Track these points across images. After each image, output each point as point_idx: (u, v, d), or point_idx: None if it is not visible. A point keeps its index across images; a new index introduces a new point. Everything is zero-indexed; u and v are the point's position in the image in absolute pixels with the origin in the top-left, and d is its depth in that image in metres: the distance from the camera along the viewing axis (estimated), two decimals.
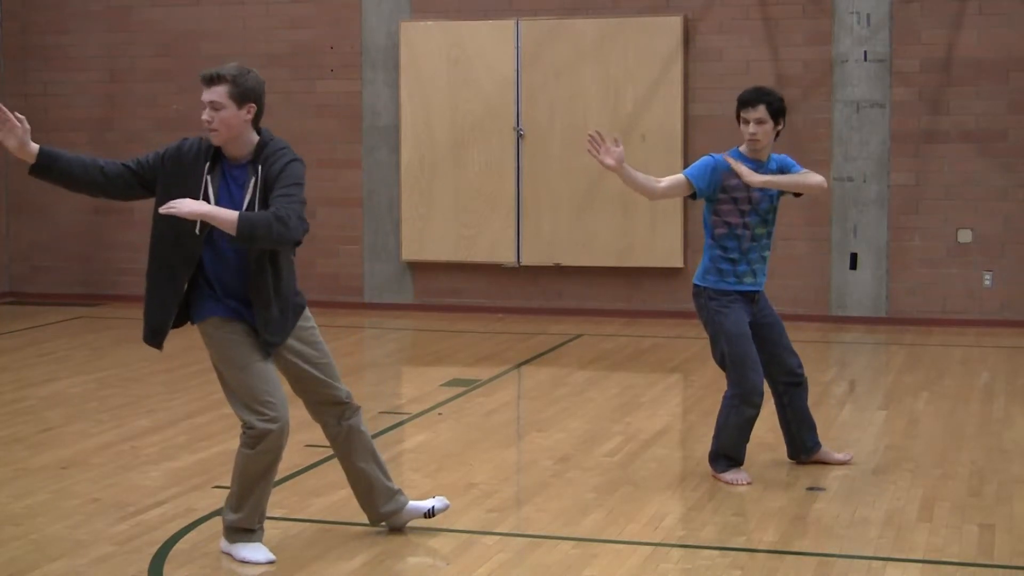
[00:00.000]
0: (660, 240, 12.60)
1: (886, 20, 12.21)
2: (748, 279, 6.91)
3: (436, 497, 6.23)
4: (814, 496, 6.71)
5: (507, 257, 13.00)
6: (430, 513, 6.11)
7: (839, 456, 7.32)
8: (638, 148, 12.54)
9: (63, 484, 6.98)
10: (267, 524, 6.11)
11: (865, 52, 12.25)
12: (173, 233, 5.57)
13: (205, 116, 5.51)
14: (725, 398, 7.00)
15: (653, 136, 12.53)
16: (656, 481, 7.03)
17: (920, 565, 5.69)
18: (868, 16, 12.23)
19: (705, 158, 6.94)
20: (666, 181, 6.99)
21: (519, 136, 12.81)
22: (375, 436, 8.07)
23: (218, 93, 5.51)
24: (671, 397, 9.51)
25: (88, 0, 14.07)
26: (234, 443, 7.80)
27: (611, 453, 7.61)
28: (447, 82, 12.95)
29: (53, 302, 13.98)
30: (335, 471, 7.18)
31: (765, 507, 6.54)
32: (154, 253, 5.66)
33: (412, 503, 6.11)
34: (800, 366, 7.14)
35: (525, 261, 12.98)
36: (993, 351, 11.07)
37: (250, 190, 5.53)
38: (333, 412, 5.90)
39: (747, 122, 6.86)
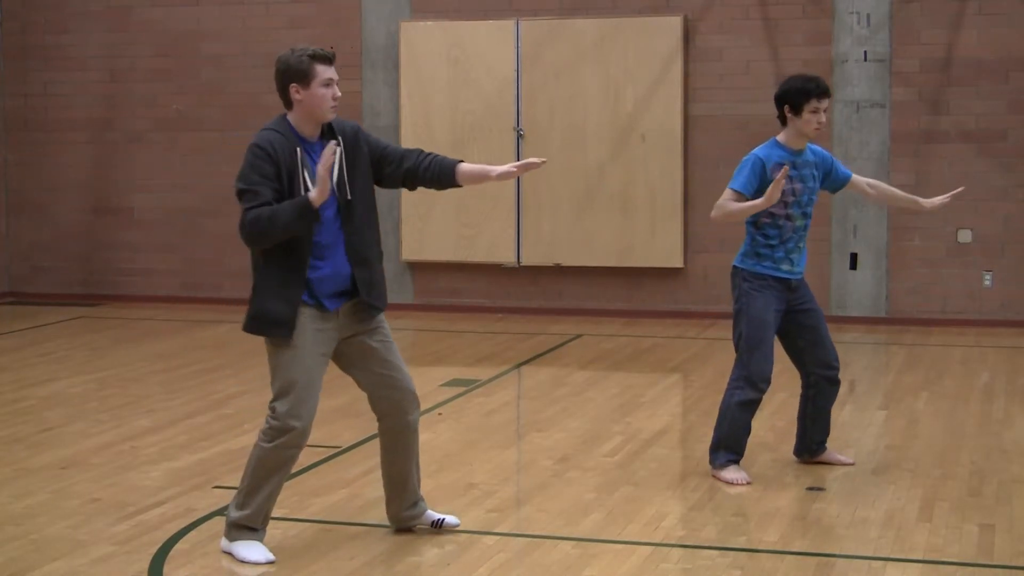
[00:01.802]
0: (660, 240, 12.60)
1: (886, 20, 12.22)
2: (785, 266, 6.92)
3: (449, 515, 6.19)
4: (814, 496, 6.72)
5: (507, 257, 13.00)
6: (438, 524, 6.08)
7: (843, 458, 7.32)
8: (638, 148, 12.55)
9: (63, 484, 6.98)
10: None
11: (865, 52, 12.25)
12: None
13: (337, 92, 5.69)
14: (730, 380, 7.01)
15: (653, 136, 12.53)
16: (656, 481, 7.02)
17: (920, 565, 5.69)
18: (868, 16, 12.23)
19: (750, 159, 6.85)
20: (733, 205, 6.85)
21: (519, 136, 12.81)
22: (373, 436, 8.08)
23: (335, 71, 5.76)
24: (671, 397, 9.51)
25: (88, 0, 14.07)
26: (234, 443, 7.84)
27: (611, 453, 7.61)
28: (447, 82, 12.95)
29: (53, 302, 13.98)
30: (335, 471, 7.19)
31: (765, 507, 6.54)
32: (275, 252, 5.65)
33: (427, 512, 6.12)
34: (837, 360, 7.11)
35: (525, 261, 12.97)
36: (993, 351, 11.07)
37: (336, 162, 5.67)
38: (400, 401, 5.88)
39: (816, 111, 6.80)
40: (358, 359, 5.85)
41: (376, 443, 7.87)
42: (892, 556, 5.80)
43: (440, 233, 13.07)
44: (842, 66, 12.31)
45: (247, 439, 7.89)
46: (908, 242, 12.33)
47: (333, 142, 5.62)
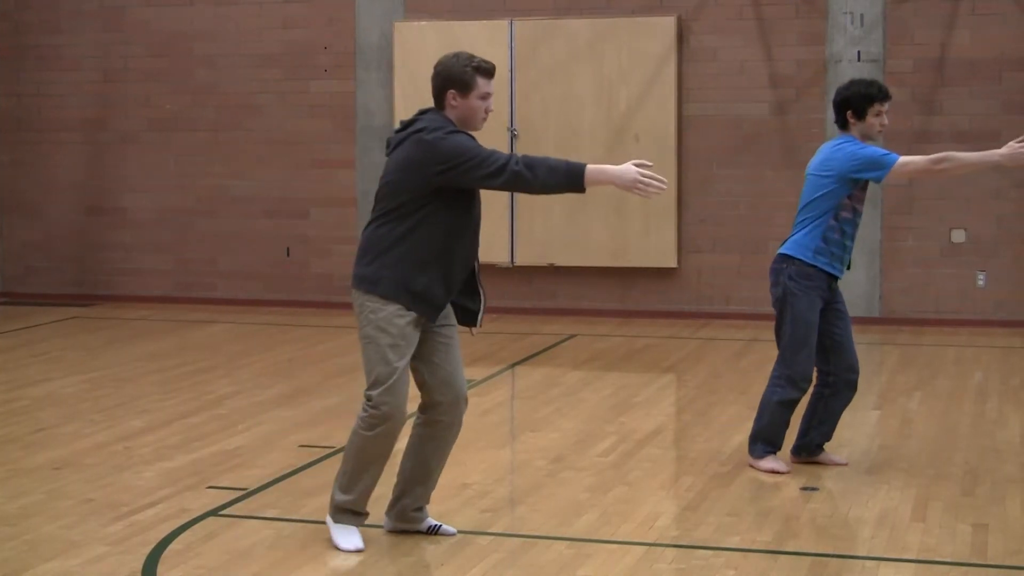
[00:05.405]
0: (653, 240, 12.61)
1: (879, 20, 12.23)
2: (840, 264, 7.03)
3: (446, 524, 6.17)
4: (808, 496, 6.72)
5: (501, 257, 13.00)
6: (433, 529, 6.06)
7: (837, 458, 7.33)
8: (631, 148, 12.54)
9: (57, 484, 6.97)
10: (260, 525, 6.13)
11: (859, 52, 12.26)
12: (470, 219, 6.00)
13: (491, 106, 5.92)
14: (772, 377, 7.11)
15: (646, 136, 12.54)
16: (650, 481, 7.03)
17: (913, 565, 5.70)
18: (861, 16, 12.24)
19: (853, 139, 7.09)
20: (963, 155, 7.21)
21: (513, 136, 12.81)
22: None
23: None
24: (665, 397, 9.51)
25: (81, 0, 14.06)
26: (228, 443, 7.84)
27: (605, 453, 7.62)
28: None
29: (46, 302, 13.96)
30: (328, 472, 7.18)
31: (759, 507, 6.54)
32: (436, 231, 6.03)
33: (427, 518, 6.11)
34: (858, 363, 7.17)
35: (519, 261, 12.97)
36: (986, 351, 11.08)
37: None
38: (455, 399, 5.87)
39: (880, 115, 7.14)
40: (426, 350, 5.83)
41: None
42: (886, 556, 5.81)
43: None
44: (835, 66, 12.32)
45: (241, 439, 7.90)
46: (901, 242, 12.34)
47: None
